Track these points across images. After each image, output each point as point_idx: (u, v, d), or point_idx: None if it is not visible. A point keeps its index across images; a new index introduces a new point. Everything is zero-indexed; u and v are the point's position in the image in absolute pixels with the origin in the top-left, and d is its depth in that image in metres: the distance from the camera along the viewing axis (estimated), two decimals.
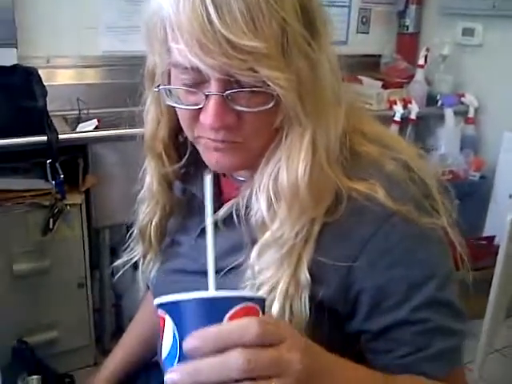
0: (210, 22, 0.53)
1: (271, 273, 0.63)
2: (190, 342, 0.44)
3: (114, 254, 2.02)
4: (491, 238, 2.30)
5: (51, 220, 1.64)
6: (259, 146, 0.64)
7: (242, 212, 0.66)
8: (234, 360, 0.43)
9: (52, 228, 1.65)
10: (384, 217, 0.62)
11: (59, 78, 2.10)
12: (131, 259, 0.85)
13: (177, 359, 0.46)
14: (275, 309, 0.61)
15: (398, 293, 0.62)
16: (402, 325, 0.62)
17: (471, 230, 2.35)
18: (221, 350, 0.44)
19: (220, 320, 0.45)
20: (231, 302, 0.47)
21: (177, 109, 0.66)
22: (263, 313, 0.50)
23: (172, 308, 0.47)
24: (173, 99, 0.64)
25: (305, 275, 0.62)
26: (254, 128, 0.61)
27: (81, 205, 1.72)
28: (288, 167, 0.62)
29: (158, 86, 0.65)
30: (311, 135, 0.61)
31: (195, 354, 0.44)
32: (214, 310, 0.46)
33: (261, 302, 0.50)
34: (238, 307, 0.46)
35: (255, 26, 0.54)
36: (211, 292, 0.49)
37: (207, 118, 0.59)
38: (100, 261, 1.93)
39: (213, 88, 0.58)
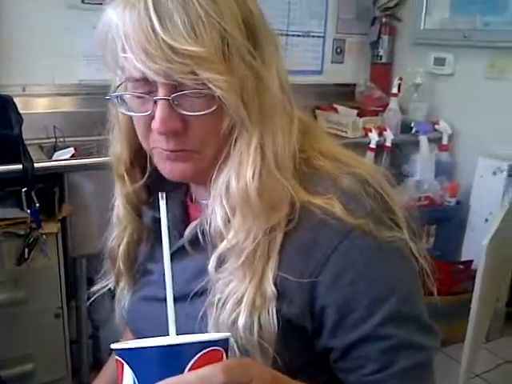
0: (154, 30, 0.57)
1: (235, 284, 0.63)
2: None
3: (91, 283, 1.98)
4: (469, 263, 2.32)
5: (26, 249, 1.61)
6: (209, 154, 0.65)
7: (207, 230, 0.66)
8: None
9: (27, 257, 1.62)
10: (343, 231, 0.62)
11: (35, 106, 2.09)
12: (105, 286, 0.84)
13: None
14: (241, 322, 0.61)
15: (361, 308, 0.62)
16: (366, 341, 0.62)
17: (449, 255, 2.38)
18: None
19: (182, 369, 0.44)
20: (193, 348, 0.45)
21: (133, 120, 0.68)
22: (227, 354, 0.48)
23: (131, 355, 0.45)
24: (124, 108, 0.66)
25: (270, 288, 0.62)
26: (202, 134, 0.63)
27: (57, 234, 1.69)
28: (238, 174, 0.63)
29: (111, 95, 0.67)
30: (258, 141, 0.63)
31: None
32: (175, 359, 0.44)
33: (225, 343, 0.48)
34: (200, 354, 0.45)
35: (195, 33, 0.58)
36: (171, 339, 0.47)
37: (155, 122, 0.62)
38: (77, 291, 1.89)
39: (160, 93, 0.61)
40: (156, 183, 0.76)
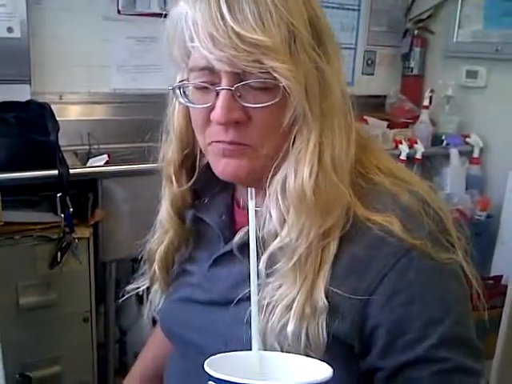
0: (223, 17, 0.59)
1: (285, 288, 0.62)
2: None
3: (119, 288, 2.01)
4: (499, 278, 2.28)
5: (59, 253, 1.64)
6: (266, 152, 0.65)
7: (259, 236, 0.65)
8: None
9: (60, 261, 1.65)
10: (401, 251, 0.61)
11: (71, 113, 2.14)
12: (140, 287, 0.86)
13: None
14: (290, 328, 0.61)
15: (414, 329, 0.61)
16: (418, 363, 0.61)
17: (478, 270, 2.34)
18: None
19: None
20: None
21: (192, 114, 0.68)
22: None
23: None
24: (186, 100, 0.67)
25: (322, 300, 0.61)
26: (263, 127, 0.63)
27: (89, 238, 1.72)
28: (295, 171, 0.63)
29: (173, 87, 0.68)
30: (317, 138, 0.63)
31: None
32: None
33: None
34: None
35: (264, 24, 0.59)
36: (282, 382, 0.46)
37: (216, 112, 0.62)
38: (106, 295, 1.92)
39: (223, 83, 0.61)
40: (202, 186, 0.78)
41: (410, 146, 2.33)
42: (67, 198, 1.64)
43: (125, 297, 0.88)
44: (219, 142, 0.65)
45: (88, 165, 1.91)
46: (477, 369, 0.63)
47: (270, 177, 0.65)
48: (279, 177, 0.64)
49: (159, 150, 0.78)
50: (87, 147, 2.03)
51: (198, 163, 0.76)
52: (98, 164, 1.90)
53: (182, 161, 0.76)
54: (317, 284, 0.62)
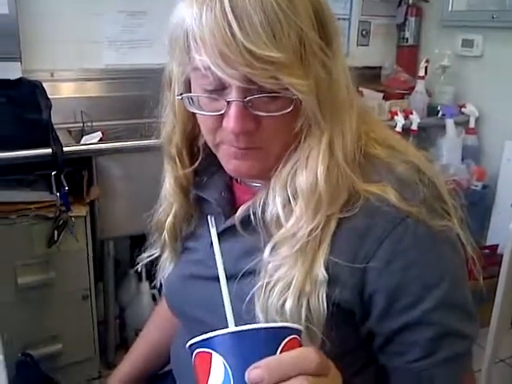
0: (232, 33, 0.56)
1: (285, 269, 0.64)
2: (255, 372, 0.44)
3: (118, 265, 2.02)
4: (494, 247, 2.30)
5: (56, 232, 1.65)
6: (278, 151, 0.66)
7: (259, 213, 0.67)
8: None
9: (57, 240, 1.66)
10: (397, 219, 0.62)
11: (63, 91, 2.12)
12: (152, 255, 0.86)
13: None
14: (288, 305, 0.62)
15: (411, 294, 0.62)
16: (413, 327, 0.63)
17: (474, 239, 2.35)
18: (284, 379, 0.44)
19: (274, 351, 0.46)
20: (282, 333, 0.47)
21: (199, 115, 0.68)
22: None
23: (221, 342, 0.46)
24: (195, 106, 0.66)
25: (322, 273, 0.62)
26: (274, 132, 0.64)
27: (85, 217, 1.73)
28: (307, 167, 0.64)
29: (181, 94, 0.67)
30: (329, 138, 0.63)
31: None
32: (268, 342, 0.46)
33: (301, 333, 0.50)
34: (287, 339, 0.47)
35: (275, 37, 0.56)
36: (263, 324, 0.49)
37: (229, 123, 0.61)
38: (104, 273, 1.93)
39: (234, 95, 0.60)
40: (202, 164, 0.78)
41: (406, 117, 2.32)
42: (62, 177, 1.63)
43: (140, 264, 0.88)
44: (231, 145, 0.65)
45: (82, 142, 1.90)
46: (469, 333, 0.65)
47: (278, 169, 0.66)
48: (288, 170, 0.65)
49: (159, 127, 0.77)
50: (81, 125, 2.02)
51: (199, 143, 0.77)
52: (92, 141, 1.89)
53: (184, 143, 0.76)
54: (316, 259, 0.63)
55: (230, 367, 0.45)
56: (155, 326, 1.02)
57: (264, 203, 0.67)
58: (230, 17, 0.56)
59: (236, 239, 0.70)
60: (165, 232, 0.82)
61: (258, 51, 0.56)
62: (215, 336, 0.46)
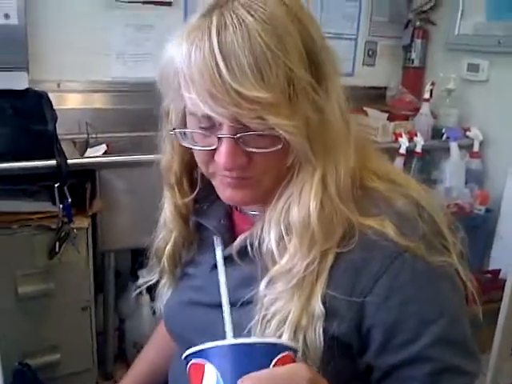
0: (220, 74, 0.56)
1: (282, 304, 0.63)
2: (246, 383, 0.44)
3: (119, 277, 2.01)
4: (496, 272, 2.29)
5: (57, 243, 1.64)
6: (271, 182, 0.66)
7: (256, 244, 0.67)
8: None
9: (58, 251, 1.65)
10: (395, 254, 0.62)
11: (69, 102, 2.13)
12: (149, 281, 0.87)
13: None
14: (285, 339, 0.61)
15: (409, 330, 0.62)
16: (411, 363, 0.62)
17: (476, 264, 2.35)
18: None
19: (267, 365, 0.46)
20: (277, 348, 0.48)
21: (193, 150, 0.68)
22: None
23: (215, 354, 0.47)
24: (188, 141, 0.67)
25: (319, 307, 0.62)
26: (265, 167, 0.64)
27: (87, 229, 1.72)
28: (300, 202, 0.64)
29: (174, 129, 0.68)
30: (321, 173, 0.63)
31: None
32: (261, 356, 0.46)
33: (296, 352, 0.50)
34: (281, 355, 0.47)
35: (262, 77, 0.57)
36: (259, 338, 0.51)
37: (221, 158, 0.62)
38: (104, 284, 1.93)
39: (225, 132, 0.61)
40: (202, 191, 0.78)
41: (410, 139, 2.32)
42: (65, 188, 1.63)
43: (137, 291, 0.92)
44: (224, 176, 0.66)
45: (86, 154, 1.91)
46: (470, 370, 0.64)
47: (272, 203, 0.66)
48: (282, 204, 0.65)
49: (159, 142, 0.77)
50: (85, 136, 2.02)
51: (199, 175, 0.77)
52: (96, 154, 1.90)
53: (183, 172, 0.76)
54: (313, 294, 0.63)
55: (222, 378, 0.45)
56: (155, 346, 1.01)
57: (261, 235, 0.67)
58: (218, 57, 0.56)
59: (234, 268, 0.70)
60: (164, 259, 0.82)
61: (245, 92, 0.56)
62: (210, 347, 0.47)
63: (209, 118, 0.60)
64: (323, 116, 0.62)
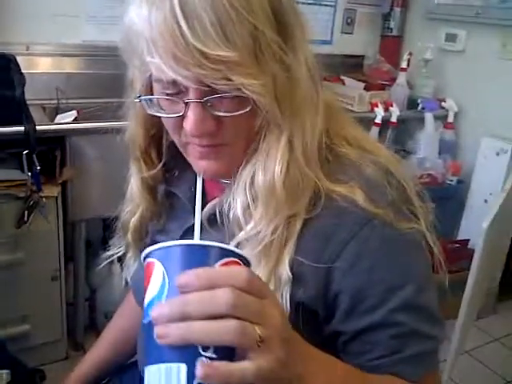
0: (182, 34, 0.54)
1: None
2: (183, 277, 0.45)
3: (90, 246, 2.00)
4: (465, 242, 2.34)
5: (26, 212, 1.61)
6: (241, 147, 0.64)
7: (225, 211, 0.66)
8: (222, 295, 0.44)
9: (27, 220, 1.62)
10: (364, 220, 0.62)
11: (38, 65, 2.06)
12: (117, 253, 0.86)
13: (164, 298, 0.46)
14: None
15: (375, 295, 0.62)
16: (377, 327, 0.63)
17: (446, 233, 2.39)
18: (211, 287, 0.44)
19: (211, 266, 0.47)
20: (224, 252, 0.48)
21: (162, 118, 0.66)
22: None
23: (164, 253, 0.48)
24: (154, 109, 0.65)
25: (286, 272, 0.62)
26: (236, 131, 0.62)
27: (57, 197, 1.69)
28: (265, 167, 0.63)
29: (139, 96, 0.65)
30: (288, 136, 0.62)
31: (186, 289, 0.44)
32: (206, 257, 0.47)
33: (248, 264, 0.50)
34: (228, 259, 0.48)
35: (226, 36, 0.55)
36: (206, 241, 0.49)
37: (188, 124, 0.60)
38: (75, 254, 1.91)
39: (191, 96, 0.59)
40: (171, 160, 0.77)
41: (386, 109, 2.33)
42: (34, 156, 1.59)
43: (104, 262, 0.90)
44: (194, 144, 0.64)
45: (56, 121, 1.86)
46: (435, 334, 0.65)
47: (239, 170, 0.65)
48: (248, 170, 0.64)
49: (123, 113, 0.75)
50: (55, 102, 1.96)
51: (165, 143, 0.75)
52: (66, 120, 1.85)
53: (149, 144, 0.75)
54: (281, 259, 0.63)
55: (167, 275, 0.46)
56: (124, 314, 1.02)
57: (229, 202, 0.66)
58: (180, 17, 0.54)
59: (203, 235, 0.69)
60: (129, 233, 0.81)
61: (209, 51, 0.54)
62: (159, 247, 0.48)
63: (174, 83, 0.58)
64: (290, 74, 0.61)
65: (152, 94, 0.65)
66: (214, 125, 0.61)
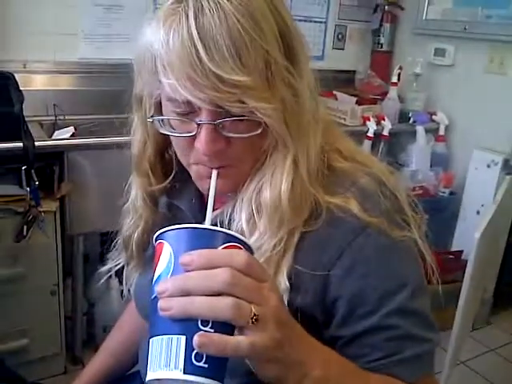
0: (199, 58, 0.57)
1: None
2: (187, 257, 0.48)
3: (88, 261, 2.00)
4: (459, 253, 2.36)
5: (25, 227, 1.62)
6: (248, 166, 0.67)
7: (226, 222, 0.68)
8: (221, 273, 0.47)
9: (26, 235, 1.63)
10: (358, 229, 0.64)
11: (35, 83, 2.08)
12: (116, 266, 0.86)
13: (170, 274, 0.50)
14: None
15: (371, 301, 0.64)
16: (374, 330, 0.64)
17: (440, 244, 2.41)
18: (211, 267, 0.48)
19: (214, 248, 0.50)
20: (228, 237, 0.51)
21: (171, 137, 0.68)
22: None
23: (173, 235, 0.51)
24: (166, 128, 0.67)
25: (284, 282, 0.64)
26: (244, 151, 0.65)
27: (55, 212, 1.71)
28: (271, 184, 0.65)
29: (152, 116, 0.68)
30: (293, 156, 0.65)
31: (189, 268, 0.48)
32: (211, 240, 0.50)
33: (251, 251, 0.53)
34: (232, 244, 0.51)
35: (241, 61, 0.57)
36: (215, 227, 0.53)
37: (200, 144, 0.62)
38: (73, 268, 1.92)
39: (204, 117, 0.61)
40: (174, 173, 0.78)
41: (378, 123, 2.36)
42: (33, 171, 1.61)
43: (104, 277, 0.91)
44: (204, 165, 0.66)
45: (54, 137, 1.88)
46: (430, 337, 0.67)
47: (244, 185, 0.67)
48: (254, 186, 0.67)
49: (129, 128, 0.77)
50: (53, 118, 1.99)
51: (172, 157, 0.77)
52: (64, 136, 1.87)
53: (158, 158, 0.76)
54: (279, 270, 0.65)
55: (174, 255, 0.50)
56: (123, 327, 1.02)
57: (231, 215, 0.68)
58: (197, 41, 0.56)
59: None
60: (132, 244, 0.82)
61: (225, 75, 0.57)
62: (170, 229, 0.51)
63: (188, 103, 0.60)
64: (298, 97, 0.63)
65: (161, 113, 0.67)
66: (224, 144, 0.63)
